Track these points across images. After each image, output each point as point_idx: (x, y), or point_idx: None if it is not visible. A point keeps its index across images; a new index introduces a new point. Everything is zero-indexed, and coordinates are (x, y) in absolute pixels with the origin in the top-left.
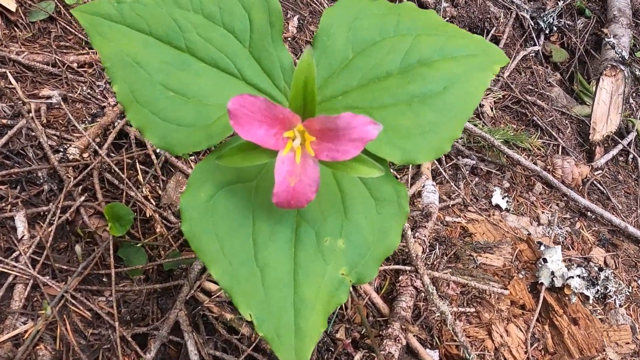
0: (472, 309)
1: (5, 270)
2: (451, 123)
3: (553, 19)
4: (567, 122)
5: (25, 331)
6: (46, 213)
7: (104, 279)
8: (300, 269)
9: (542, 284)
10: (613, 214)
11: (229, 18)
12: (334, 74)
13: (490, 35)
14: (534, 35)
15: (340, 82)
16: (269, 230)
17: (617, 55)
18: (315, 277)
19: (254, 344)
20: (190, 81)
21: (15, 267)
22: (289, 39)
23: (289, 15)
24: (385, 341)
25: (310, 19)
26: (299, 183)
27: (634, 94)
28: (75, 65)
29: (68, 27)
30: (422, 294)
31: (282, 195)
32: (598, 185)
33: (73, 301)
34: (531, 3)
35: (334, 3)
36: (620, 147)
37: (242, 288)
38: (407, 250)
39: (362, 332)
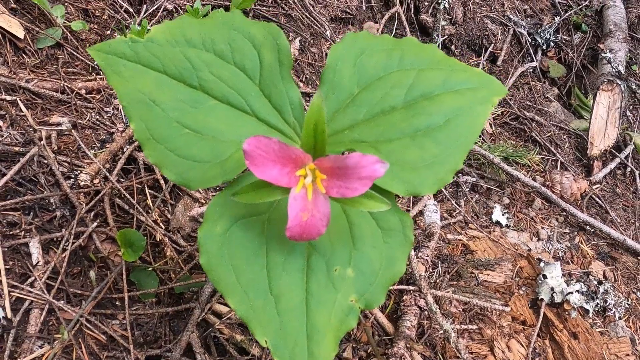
0: (475, 326)
1: (22, 296)
2: (453, 155)
3: (550, 35)
4: (565, 137)
5: (42, 355)
6: (59, 239)
7: (117, 303)
8: (312, 297)
9: (542, 299)
10: (612, 227)
11: (239, 56)
12: (340, 109)
13: (488, 52)
14: (531, 51)
15: (347, 116)
16: (282, 260)
17: (614, 70)
18: (327, 304)
19: None
20: (204, 118)
21: (31, 292)
22: None
23: (290, 38)
24: None
25: (312, 41)
26: (311, 218)
27: (631, 107)
28: (83, 91)
29: (75, 52)
30: (426, 313)
31: (295, 229)
32: (597, 199)
33: (88, 325)
34: (528, 19)
35: (340, 39)
36: (617, 160)
37: (258, 316)
38: (410, 270)
39: (369, 351)
